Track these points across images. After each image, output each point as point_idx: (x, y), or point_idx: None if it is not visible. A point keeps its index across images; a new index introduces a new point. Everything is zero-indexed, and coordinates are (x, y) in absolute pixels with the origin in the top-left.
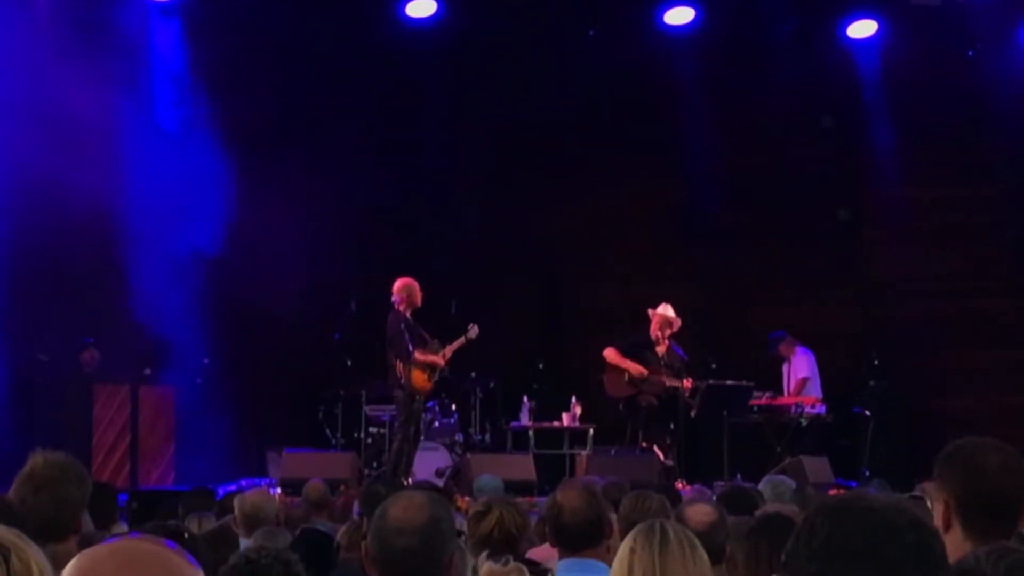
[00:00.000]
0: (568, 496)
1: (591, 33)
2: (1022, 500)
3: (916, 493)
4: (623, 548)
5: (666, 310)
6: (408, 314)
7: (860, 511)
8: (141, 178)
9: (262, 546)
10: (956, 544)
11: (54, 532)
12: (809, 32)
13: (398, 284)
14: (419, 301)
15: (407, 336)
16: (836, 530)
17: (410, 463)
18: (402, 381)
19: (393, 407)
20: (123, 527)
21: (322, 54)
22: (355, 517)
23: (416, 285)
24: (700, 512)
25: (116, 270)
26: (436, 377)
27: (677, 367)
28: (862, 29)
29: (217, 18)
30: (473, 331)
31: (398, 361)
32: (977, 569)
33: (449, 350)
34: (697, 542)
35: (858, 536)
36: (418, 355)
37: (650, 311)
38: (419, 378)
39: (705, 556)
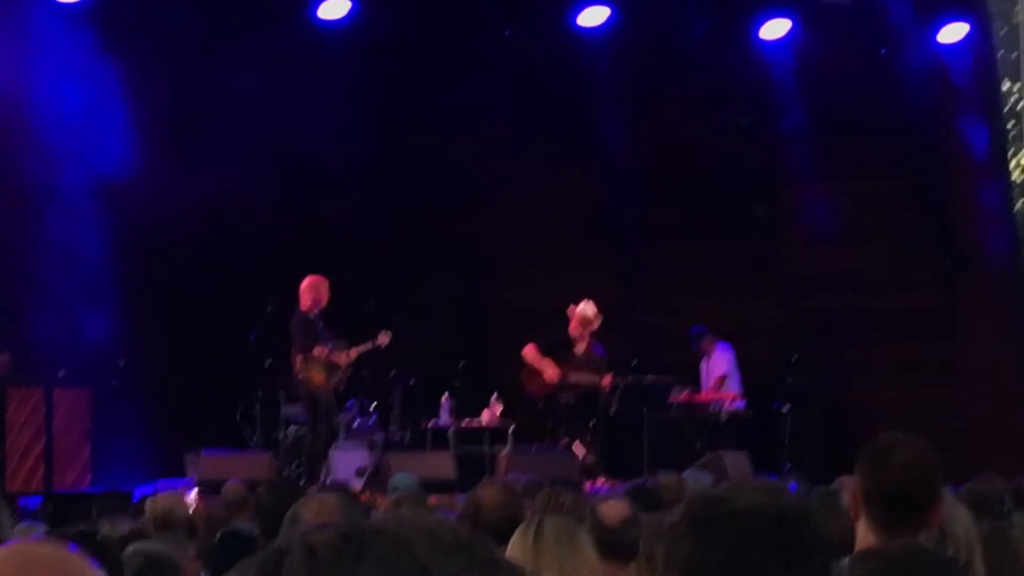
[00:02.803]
0: (487, 493)
1: (507, 33)
2: (927, 496)
3: (834, 487)
4: (510, 544)
5: (586, 308)
6: (316, 313)
7: (721, 518)
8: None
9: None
10: (861, 534)
11: None
12: (724, 31)
13: (304, 283)
14: (325, 300)
15: (307, 334)
16: (697, 542)
17: (320, 461)
18: (299, 377)
19: None
20: (41, 529)
21: (230, 56)
22: None
23: (323, 284)
24: (614, 508)
25: (28, 272)
26: (337, 377)
27: (597, 364)
28: (775, 28)
29: (123, 15)
30: (383, 338)
31: (297, 356)
32: (876, 567)
33: (354, 352)
34: (579, 535)
35: (718, 549)
36: (316, 352)
37: (570, 309)
38: (315, 376)
39: (587, 549)
